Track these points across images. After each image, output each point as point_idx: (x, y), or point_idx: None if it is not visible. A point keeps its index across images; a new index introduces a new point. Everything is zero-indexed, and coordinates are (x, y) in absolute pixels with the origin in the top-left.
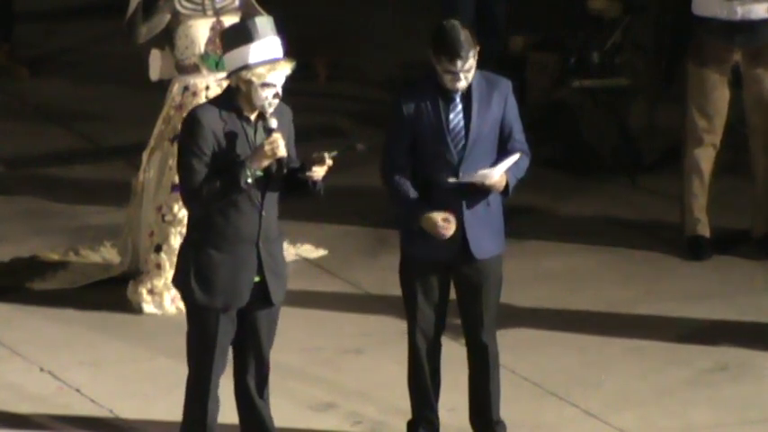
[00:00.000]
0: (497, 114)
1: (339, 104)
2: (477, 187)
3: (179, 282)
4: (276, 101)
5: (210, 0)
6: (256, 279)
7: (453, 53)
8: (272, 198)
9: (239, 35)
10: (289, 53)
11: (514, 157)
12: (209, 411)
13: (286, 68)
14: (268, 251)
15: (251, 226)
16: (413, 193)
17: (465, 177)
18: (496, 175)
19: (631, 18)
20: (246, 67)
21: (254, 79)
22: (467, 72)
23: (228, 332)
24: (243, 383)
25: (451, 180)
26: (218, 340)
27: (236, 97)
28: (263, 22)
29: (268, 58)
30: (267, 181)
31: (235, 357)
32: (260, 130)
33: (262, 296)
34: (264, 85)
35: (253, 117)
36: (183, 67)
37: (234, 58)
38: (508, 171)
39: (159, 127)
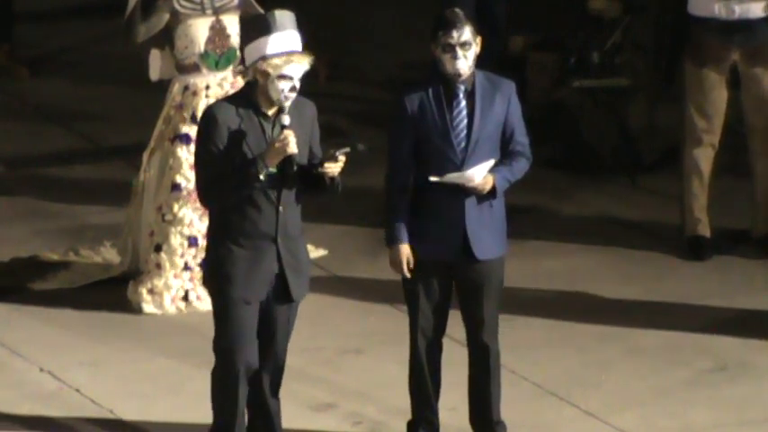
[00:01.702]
0: (500, 115)
1: (339, 104)
2: (467, 189)
3: (204, 278)
4: (293, 94)
5: None
6: (276, 272)
7: (449, 24)
8: (290, 195)
9: (258, 27)
10: (305, 49)
11: (490, 163)
12: (237, 400)
13: (303, 62)
14: (287, 248)
15: (268, 222)
16: (399, 222)
17: (450, 177)
18: (477, 177)
19: (631, 18)
20: (263, 57)
21: (270, 70)
22: (465, 48)
23: (251, 324)
24: (256, 380)
25: (433, 179)
26: (240, 331)
27: (254, 93)
28: (283, 16)
29: (285, 50)
30: (282, 177)
31: None
32: (278, 126)
33: (282, 292)
34: (281, 77)
35: (271, 113)
36: (182, 66)
37: (252, 50)
38: (497, 173)
39: (159, 127)
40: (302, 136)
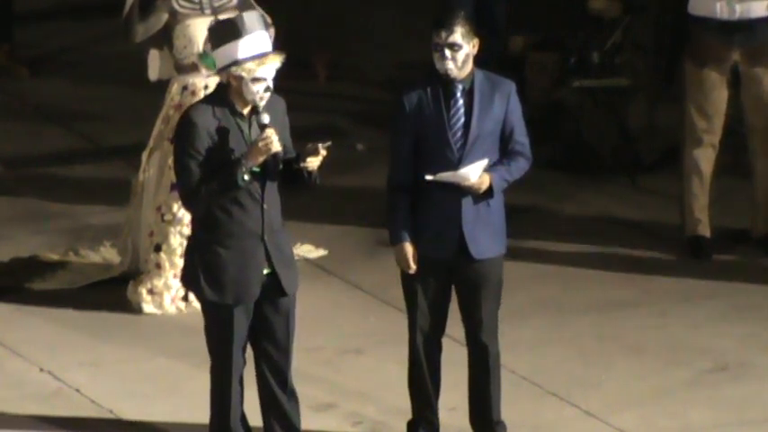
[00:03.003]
0: (499, 114)
1: (339, 104)
2: (464, 188)
3: (188, 281)
4: (268, 94)
5: None
6: (267, 271)
7: (440, 24)
8: (273, 190)
9: (227, 31)
10: (287, 51)
11: (484, 162)
12: (232, 398)
13: (276, 62)
14: (274, 243)
15: (254, 220)
16: (401, 221)
17: (442, 176)
18: (472, 176)
19: (631, 18)
20: (236, 62)
21: (243, 75)
22: (453, 49)
23: (244, 325)
24: (264, 378)
25: (429, 177)
26: (234, 334)
27: (228, 94)
28: (251, 18)
29: (257, 52)
30: (265, 175)
31: (255, 352)
32: (254, 124)
33: (275, 288)
34: (255, 79)
35: (246, 112)
36: (181, 66)
37: (223, 54)
38: (494, 172)
39: (158, 127)
40: (278, 132)
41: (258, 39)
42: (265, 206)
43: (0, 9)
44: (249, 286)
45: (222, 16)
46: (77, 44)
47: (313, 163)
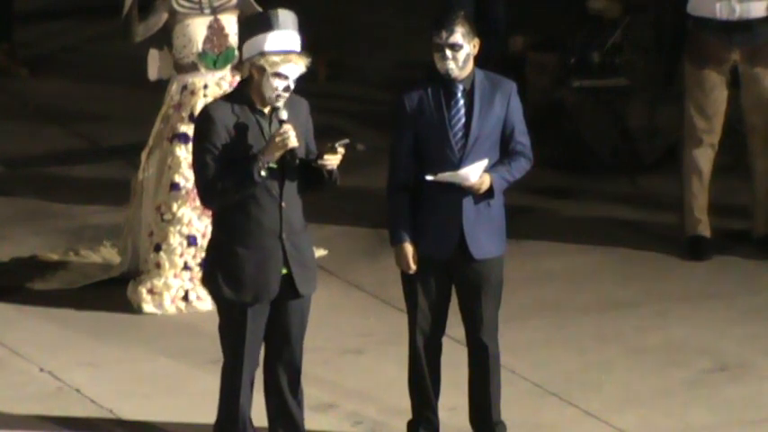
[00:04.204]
0: (500, 114)
1: (339, 104)
2: (465, 188)
3: (206, 280)
4: (287, 94)
5: None
6: (284, 271)
7: (439, 24)
8: (292, 189)
9: (258, 23)
10: (304, 50)
11: (484, 162)
12: (241, 398)
13: (300, 63)
14: (293, 243)
15: (272, 219)
16: (402, 221)
17: (443, 176)
18: (472, 176)
19: (631, 18)
20: (261, 53)
21: (266, 66)
22: (454, 49)
23: (259, 324)
24: (274, 379)
25: (429, 177)
26: (249, 333)
27: (248, 90)
28: (285, 15)
29: (284, 48)
30: (283, 172)
31: (266, 352)
32: (275, 121)
33: (290, 289)
34: (277, 74)
35: (266, 110)
36: (181, 66)
37: (250, 45)
38: (494, 173)
39: (158, 126)
40: (298, 132)
41: (288, 36)
42: (284, 204)
43: (0, 9)
44: (268, 285)
45: (221, 16)
46: (77, 44)
47: (332, 161)
